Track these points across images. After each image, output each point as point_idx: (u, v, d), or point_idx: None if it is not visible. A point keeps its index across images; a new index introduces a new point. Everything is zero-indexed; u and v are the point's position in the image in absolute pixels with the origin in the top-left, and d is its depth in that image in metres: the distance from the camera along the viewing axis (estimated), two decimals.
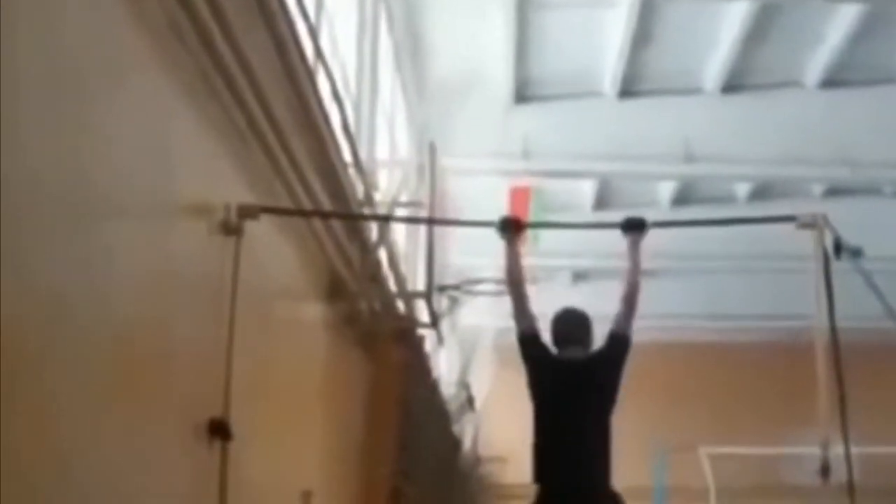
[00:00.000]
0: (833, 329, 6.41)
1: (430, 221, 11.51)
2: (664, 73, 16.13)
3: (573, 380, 6.73)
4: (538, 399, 6.82)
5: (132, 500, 4.48)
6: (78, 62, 3.95)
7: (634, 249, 6.83)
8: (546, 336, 6.90)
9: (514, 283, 6.89)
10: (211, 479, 5.56)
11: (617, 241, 6.99)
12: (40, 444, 3.64)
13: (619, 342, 6.76)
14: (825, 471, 6.36)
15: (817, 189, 19.09)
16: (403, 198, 12.67)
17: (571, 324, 6.96)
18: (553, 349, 6.85)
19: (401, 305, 11.63)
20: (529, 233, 15.77)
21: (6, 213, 3.29)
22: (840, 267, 6.53)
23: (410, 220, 13.80)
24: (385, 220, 10.52)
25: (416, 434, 11.82)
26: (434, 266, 11.66)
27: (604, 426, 6.68)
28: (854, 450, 6.52)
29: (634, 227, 6.87)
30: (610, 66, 15.70)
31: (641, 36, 14.81)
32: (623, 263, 6.91)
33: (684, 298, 22.46)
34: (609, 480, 6.67)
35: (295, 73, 7.12)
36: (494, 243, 7.05)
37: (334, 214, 8.58)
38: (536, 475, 6.74)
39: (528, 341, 6.80)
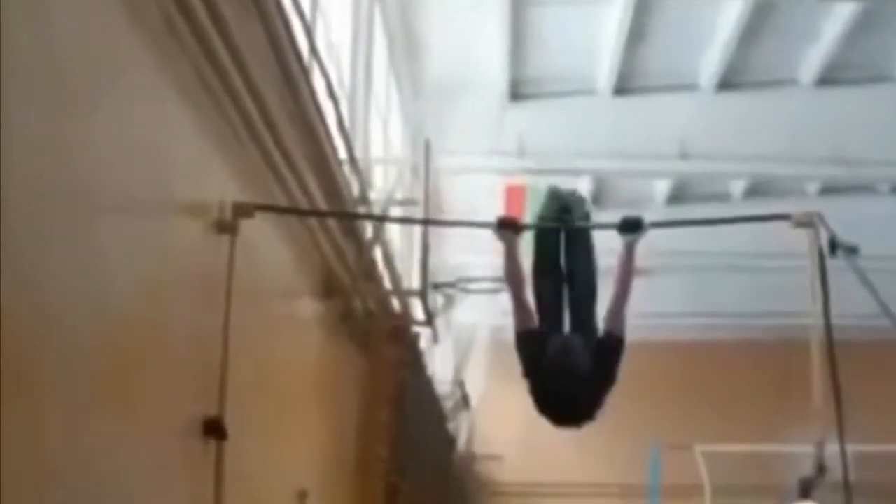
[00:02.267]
0: (828, 327, 6.40)
1: (427, 222, 11.50)
2: (659, 70, 16.11)
3: (567, 385, 6.73)
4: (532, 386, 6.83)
5: (127, 499, 4.47)
6: (72, 59, 3.94)
7: (629, 251, 6.80)
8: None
9: (513, 282, 6.91)
10: (206, 478, 5.55)
11: (612, 237, 6.97)
12: (33, 442, 3.63)
13: (612, 342, 6.76)
14: (820, 469, 6.35)
15: (812, 187, 19.08)
16: (398, 195, 12.66)
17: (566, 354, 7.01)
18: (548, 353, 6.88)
19: (396, 303, 11.63)
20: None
21: (2, 212, 3.28)
22: (834, 265, 6.52)
23: (406, 221, 13.78)
24: (381, 220, 10.50)
25: (411, 432, 11.81)
26: (429, 264, 11.65)
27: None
28: (849, 447, 6.52)
29: (632, 228, 6.84)
30: (605, 63, 15.68)
31: (636, 33, 14.79)
32: (615, 260, 6.92)
33: (679, 296, 22.45)
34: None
35: (290, 70, 7.11)
36: (489, 241, 7.06)
37: (330, 213, 8.57)
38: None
39: (524, 340, 6.83)
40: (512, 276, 6.93)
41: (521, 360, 6.86)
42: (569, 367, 6.59)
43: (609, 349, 6.77)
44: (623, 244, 6.81)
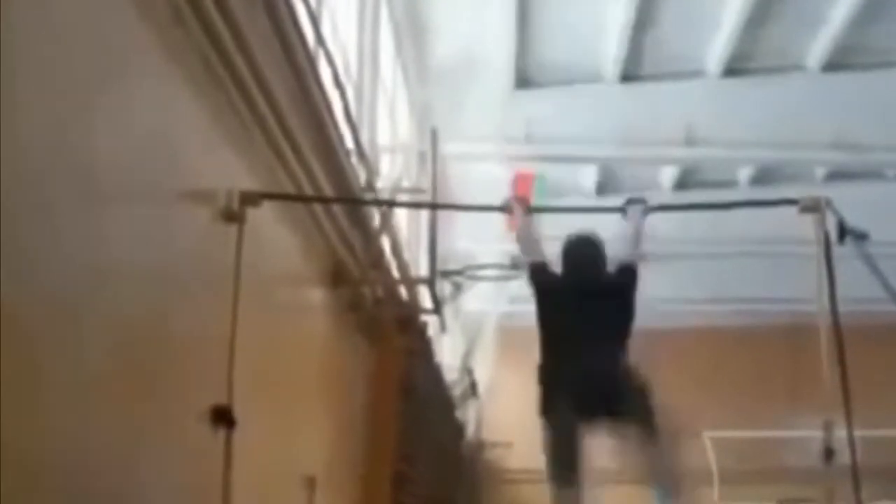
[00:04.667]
0: (835, 312, 6.40)
1: (434, 206, 11.49)
2: (666, 56, 16.07)
3: (585, 297, 6.65)
4: (546, 321, 6.74)
5: (136, 487, 4.49)
6: (79, 49, 3.95)
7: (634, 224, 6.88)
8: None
9: (526, 238, 6.96)
10: (215, 465, 5.56)
11: (619, 226, 7.00)
12: (42, 431, 3.64)
13: (628, 269, 6.76)
14: (828, 454, 6.35)
15: (819, 173, 19.05)
16: (405, 184, 12.67)
17: (583, 246, 6.96)
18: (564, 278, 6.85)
19: (404, 292, 11.63)
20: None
21: (8, 201, 3.29)
22: (842, 251, 6.52)
23: (413, 205, 13.78)
24: (388, 204, 10.50)
25: (419, 420, 11.82)
26: (437, 252, 11.65)
27: (621, 338, 6.72)
28: (857, 433, 6.52)
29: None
30: (611, 50, 15.65)
31: (643, 20, 14.76)
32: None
33: (687, 283, 22.44)
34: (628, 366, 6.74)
35: (296, 58, 7.11)
36: (497, 229, 7.09)
37: (336, 200, 8.57)
38: (542, 380, 6.70)
39: (538, 271, 6.81)
40: (524, 234, 6.97)
41: (535, 290, 6.81)
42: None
43: (626, 275, 6.74)
44: (628, 220, 6.87)
